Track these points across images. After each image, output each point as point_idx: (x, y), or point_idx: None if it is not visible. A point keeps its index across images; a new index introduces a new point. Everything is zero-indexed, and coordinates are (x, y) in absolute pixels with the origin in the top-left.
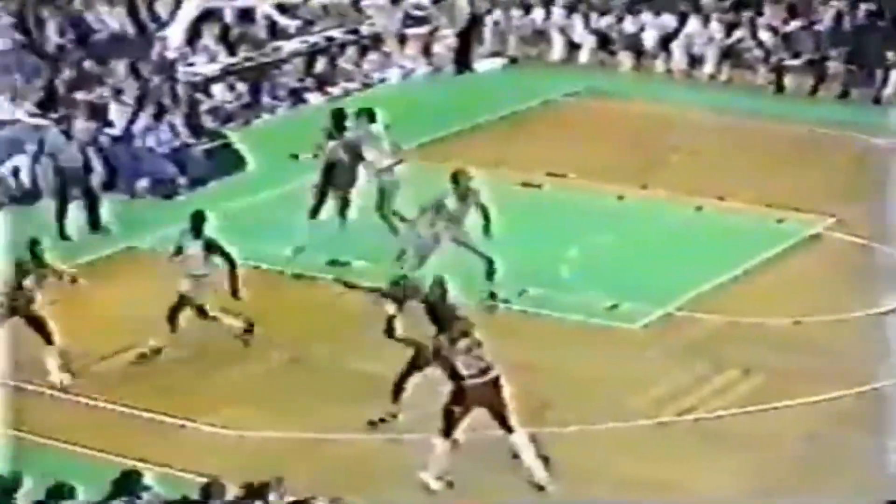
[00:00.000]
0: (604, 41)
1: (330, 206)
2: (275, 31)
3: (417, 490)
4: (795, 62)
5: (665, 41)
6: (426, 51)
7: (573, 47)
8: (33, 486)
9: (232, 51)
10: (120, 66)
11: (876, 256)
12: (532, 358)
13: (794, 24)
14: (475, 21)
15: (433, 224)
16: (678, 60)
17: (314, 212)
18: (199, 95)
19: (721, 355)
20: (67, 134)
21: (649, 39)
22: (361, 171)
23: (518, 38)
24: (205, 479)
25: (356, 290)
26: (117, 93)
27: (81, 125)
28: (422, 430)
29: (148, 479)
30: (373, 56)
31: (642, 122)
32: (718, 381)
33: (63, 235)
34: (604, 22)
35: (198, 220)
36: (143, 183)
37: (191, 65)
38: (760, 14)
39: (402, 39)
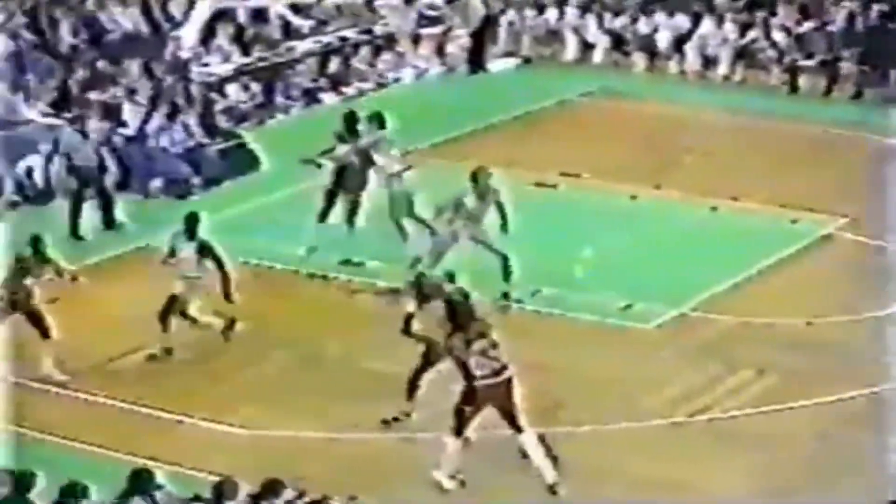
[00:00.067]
0: (617, 41)
1: (340, 210)
2: (289, 31)
3: (430, 489)
4: (809, 63)
5: (679, 42)
6: (440, 51)
7: (587, 47)
8: (46, 486)
9: (246, 51)
10: (133, 66)
11: (888, 257)
12: (545, 358)
13: (808, 25)
14: (489, 21)
15: (452, 222)
16: (692, 61)
17: (323, 215)
18: (213, 95)
19: (734, 356)
20: (83, 133)
21: (663, 40)
22: (372, 174)
23: (532, 39)
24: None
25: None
26: (131, 93)
27: (96, 125)
28: (435, 428)
29: (160, 478)
30: (386, 56)
31: (656, 123)
32: (732, 381)
33: (76, 234)
34: (617, 22)
35: (191, 221)
36: (156, 183)
37: (205, 65)
38: (774, 15)
39: (416, 39)
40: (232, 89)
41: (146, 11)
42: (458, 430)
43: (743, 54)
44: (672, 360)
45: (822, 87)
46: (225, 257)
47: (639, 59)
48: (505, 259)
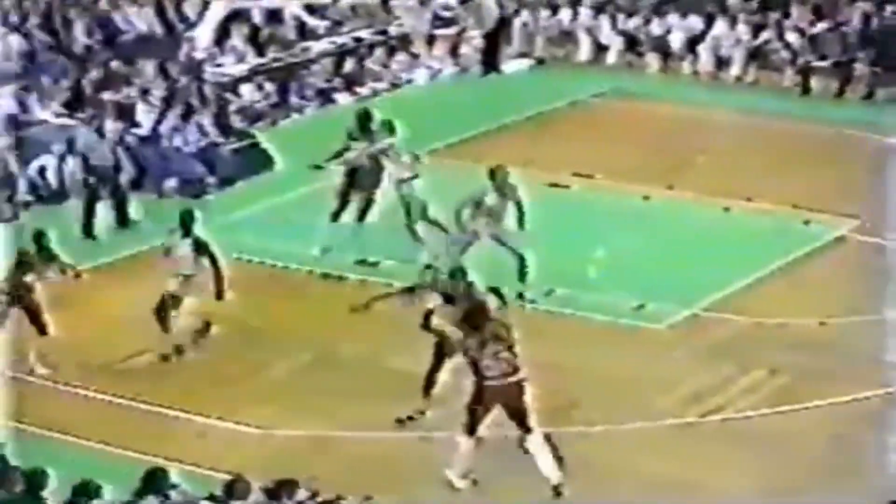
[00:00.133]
0: (631, 42)
1: (353, 210)
2: (303, 32)
3: (444, 488)
4: (822, 64)
5: (692, 43)
6: (454, 51)
7: (600, 48)
8: (59, 485)
9: (260, 51)
10: (148, 67)
11: None
12: (559, 357)
13: (821, 26)
14: (503, 22)
15: (473, 219)
16: (705, 62)
17: (336, 215)
18: (227, 95)
19: (747, 356)
20: (100, 133)
21: (676, 41)
22: (385, 174)
23: (545, 39)
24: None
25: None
26: (144, 93)
27: (111, 125)
28: (448, 427)
29: (175, 477)
30: (401, 57)
31: (669, 124)
32: (744, 381)
33: (90, 234)
34: (631, 23)
35: (186, 219)
36: (171, 183)
37: (219, 65)
38: (787, 16)
39: (430, 40)
40: (246, 89)
41: (160, 12)
42: (471, 429)
43: (756, 55)
44: (684, 361)
45: (834, 88)
46: (220, 255)
47: (652, 60)
48: (521, 259)
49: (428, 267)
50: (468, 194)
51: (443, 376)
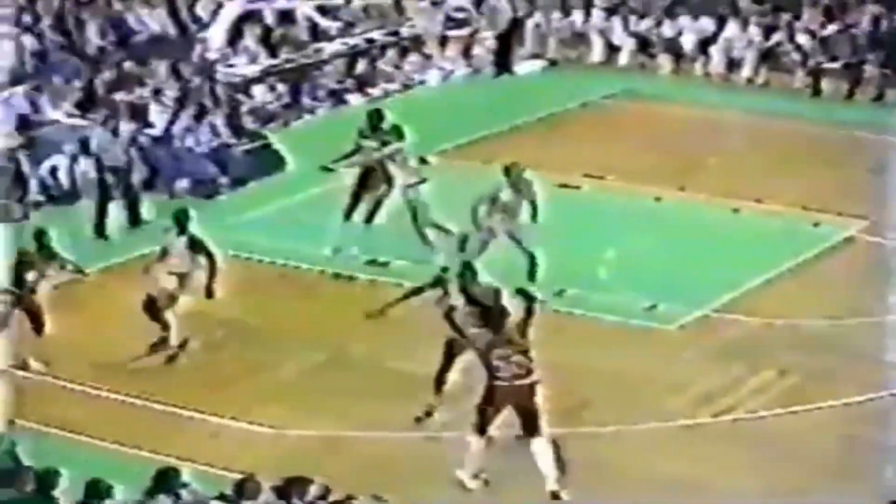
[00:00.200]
0: (643, 44)
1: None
2: (316, 33)
3: (454, 488)
4: (832, 65)
5: (704, 44)
6: (466, 53)
7: (612, 50)
8: (70, 485)
9: (273, 52)
10: (160, 67)
11: None
12: (569, 358)
13: (832, 28)
14: (515, 23)
15: (489, 216)
16: (716, 63)
17: (348, 214)
18: (239, 96)
19: (757, 357)
20: (114, 133)
21: (688, 42)
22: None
23: (558, 41)
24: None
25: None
26: (157, 93)
27: (125, 125)
28: (460, 427)
29: (186, 477)
30: (413, 58)
31: (680, 125)
32: (754, 382)
33: (102, 234)
34: (643, 25)
35: (182, 217)
36: (183, 183)
37: (231, 66)
38: (798, 18)
39: (443, 41)
40: (259, 90)
41: (173, 13)
42: (481, 429)
43: (767, 57)
44: (695, 361)
45: (844, 89)
46: (216, 252)
47: (664, 62)
48: (532, 259)
49: (444, 270)
50: (484, 191)
51: (453, 375)
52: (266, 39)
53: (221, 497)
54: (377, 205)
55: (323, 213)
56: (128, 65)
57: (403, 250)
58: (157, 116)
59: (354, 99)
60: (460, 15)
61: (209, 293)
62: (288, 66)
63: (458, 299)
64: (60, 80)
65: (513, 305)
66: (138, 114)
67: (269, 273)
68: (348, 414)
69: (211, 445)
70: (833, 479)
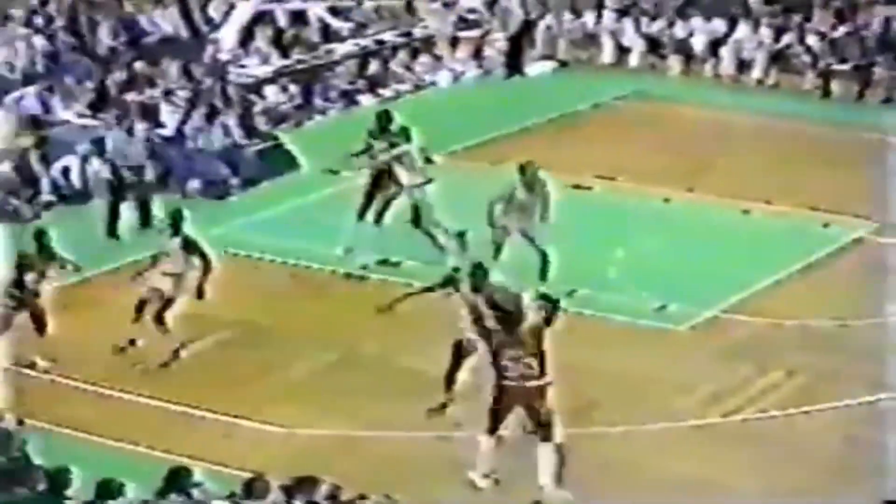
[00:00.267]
0: (653, 45)
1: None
2: (327, 34)
3: (465, 487)
4: (842, 67)
5: (714, 46)
6: (477, 54)
7: (623, 51)
8: (82, 484)
9: (284, 53)
10: (172, 68)
11: None
12: (579, 358)
13: (842, 30)
14: (527, 25)
15: (504, 215)
16: (727, 65)
17: (361, 215)
18: (251, 97)
19: (765, 357)
20: (130, 132)
21: (698, 44)
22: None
23: (569, 42)
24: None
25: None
26: (168, 94)
27: (138, 125)
28: (471, 426)
29: (198, 476)
30: (424, 59)
31: (691, 126)
32: (762, 382)
33: (114, 234)
34: (654, 26)
35: (177, 217)
36: (195, 184)
37: (243, 67)
38: (809, 19)
39: (454, 42)
40: (270, 91)
41: (185, 14)
42: (492, 429)
43: (777, 58)
44: (704, 362)
45: (854, 91)
46: (211, 253)
47: (674, 63)
48: (545, 257)
49: (455, 270)
50: (499, 191)
51: (463, 375)
52: (278, 40)
53: (231, 496)
54: (386, 205)
55: (334, 213)
56: (139, 65)
57: (415, 250)
58: (169, 117)
59: (366, 100)
60: (472, 16)
61: (200, 294)
62: (300, 67)
63: (470, 299)
64: (72, 81)
65: (531, 309)
66: (150, 114)
67: (281, 273)
68: (360, 413)
69: (223, 445)
70: (841, 479)
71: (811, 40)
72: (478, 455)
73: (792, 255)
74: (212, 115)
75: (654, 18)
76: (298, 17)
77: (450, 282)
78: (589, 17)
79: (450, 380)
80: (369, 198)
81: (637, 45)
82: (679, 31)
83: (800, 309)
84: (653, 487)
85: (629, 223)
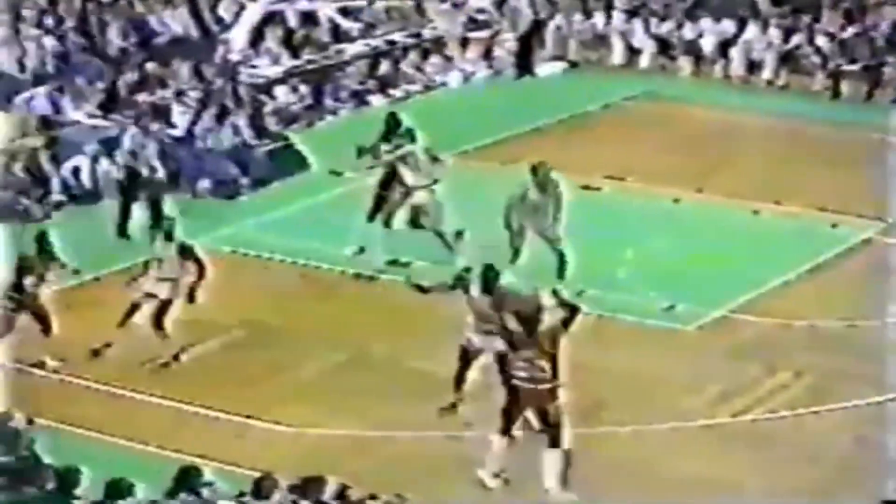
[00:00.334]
0: (663, 46)
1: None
2: (338, 35)
3: (475, 486)
4: (852, 67)
5: (724, 46)
6: (487, 54)
7: (633, 52)
8: (92, 484)
9: (295, 53)
10: (183, 69)
11: None
12: (588, 358)
13: (851, 31)
14: (536, 25)
15: (520, 216)
16: (736, 66)
17: (371, 216)
18: (262, 97)
19: (774, 358)
20: (147, 132)
21: (708, 45)
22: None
23: (579, 43)
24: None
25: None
26: (179, 94)
27: (148, 126)
28: (482, 426)
29: (210, 476)
30: (434, 59)
31: (700, 127)
32: (770, 383)
33: (124, 234)
34: (664, 27)
35: (168, 224)
36: (205, 184)
37: (254, 67)
38: (818, 20)
39: (464, 43)
40: (281, 91)
41: (196, 14)
42: (505, 429)
43: (787, 59)
44: (712, 362)
45: (863, 91)
46: (205, 259)
47: (684, 64)
48: (562, 257)
49: (466, 270)
50: (511, 192)
51: (472, 375)
52: (288, 41)
53: (240, 496)
54: (397, 208)
55: (344, 213)
56: (150, 66)
57: (425, 251)
58: (180, 117)
59: (376, 100)
60: (482, 17)
61: (191, 298)
62: (310, 67)
63: (475, 301)
64: (82, 82)
65: (550, 312)
66: (161, 114)
67: (291, 273)
68: (369, 413)
69: (233, 445)
70: (849, 479)
71: (820, 41)
72: (488, 455)
73: (801, 255)
74: (222, 115)
75: (663, 19)
76: (309, 18)
77: (460, 281)
78: (599, 18)
79: (458, 381)
80: (378, 201)
81: (647, 46)
82: (688, 32)
83: (808, 309)
84: (661, 487)
85: (638, 223)
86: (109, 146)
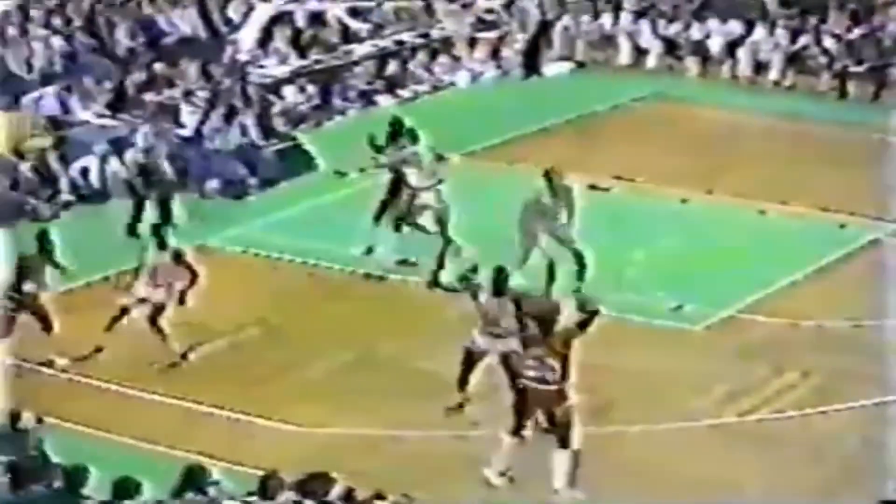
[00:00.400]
0: (671, 47)
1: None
2: (346, 35)
3: (480, 485)
4: (858, 68)
5: (731, 47)
6: (495, 54)
7: (640, 53)
8: (99, 483)
9: (303, 53)
10: (191, 69)
11: None
12: (596, 358)
13: (858, 32)
14: (544, 26)
15: (533, 221)
16: (744, 66)
17: (377, 217)
18: (270, 97)
19: (781, 358)
20: (158, 134)
21: (715, 45)
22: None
23: (586, 43)
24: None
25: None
26: (187, 94)
27: (157, 126)
28: (488, 425)
29: (216, 474)
30: (442, 59)
31: (707, 127)
32: (778, 383)
33: (134, 233)
34: (671, 28)
35: (159, 232)
36: (213, 184)
37: (262, 67)
38: (825, 21)
39: (472, 43)
40: (289, 91)
41: (204, 14)
42: (516, 429)
43: (794, 60)
44: (720, 362)
45: (870, 92)
46: (197, 267)
47: (692, 64)
48: (581, 258)
49: (473, 269)
50: (520, 194)
51: (477, 375)
52: (296, 41)
53: (247, 495)
54: (403, 209)
55: (353, 213)
56: (158, 66)
57: (433, 251)
58: (188, 117)
59: (384, 100)
60: (490, 17)
61: (182, 300)
62: (318, 67)
63: (483, 304)
64: (91, 82)
65: (567, 315)
66: (169, 114)
67: (299, 273)
68: (377, 413)
69: (241, 444)
70: (856, 479)
71: (827, 42)
72: (496, 454)
73: (808, 255)
74: (230, 115)
75: (671, 20)
76: (317, 18)
77: (465, 281)
78: (606, 19)
79: (462, 383)
80: (385, 204)
81: (654, 47)
82: (696, 32)
83: (816, 309)
84: (669, 486)
85: (647, 224)
86: (118, 146)
